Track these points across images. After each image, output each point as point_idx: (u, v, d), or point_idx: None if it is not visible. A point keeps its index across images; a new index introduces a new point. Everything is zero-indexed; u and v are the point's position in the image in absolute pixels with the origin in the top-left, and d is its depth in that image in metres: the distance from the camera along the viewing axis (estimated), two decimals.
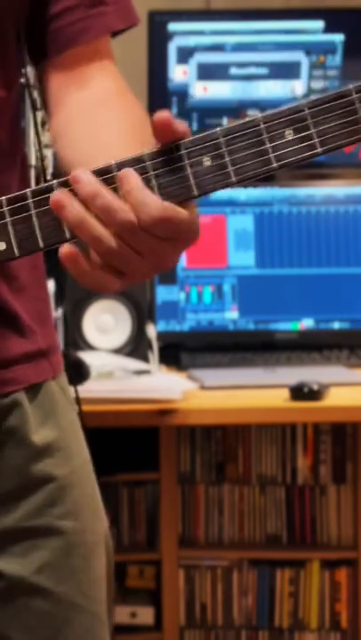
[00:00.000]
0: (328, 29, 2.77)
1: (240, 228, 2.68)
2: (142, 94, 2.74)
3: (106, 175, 0.95)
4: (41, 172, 1.19)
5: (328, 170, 2.84)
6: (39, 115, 1.46)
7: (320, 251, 2.70)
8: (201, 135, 0.94)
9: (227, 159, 0.94)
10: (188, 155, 0.94)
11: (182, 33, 2.75)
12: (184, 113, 2.77)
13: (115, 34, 1.25)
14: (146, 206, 0.93)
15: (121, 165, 0.95)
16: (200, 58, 2.76)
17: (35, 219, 0.96)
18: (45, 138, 2.42)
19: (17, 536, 1.20)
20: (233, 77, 2.78)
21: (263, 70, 2.78)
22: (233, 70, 2.77)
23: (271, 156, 0.93)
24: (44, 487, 1.21)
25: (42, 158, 1.19)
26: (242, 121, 0.94)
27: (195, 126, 2.77)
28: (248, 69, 2.78)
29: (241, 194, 2.69)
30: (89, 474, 1.28)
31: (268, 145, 0.93)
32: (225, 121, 2.77)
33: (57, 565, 1.21)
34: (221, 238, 2.67)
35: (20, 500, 1.20)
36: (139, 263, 0.96)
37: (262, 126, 0.94)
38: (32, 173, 2.09)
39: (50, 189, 0.96)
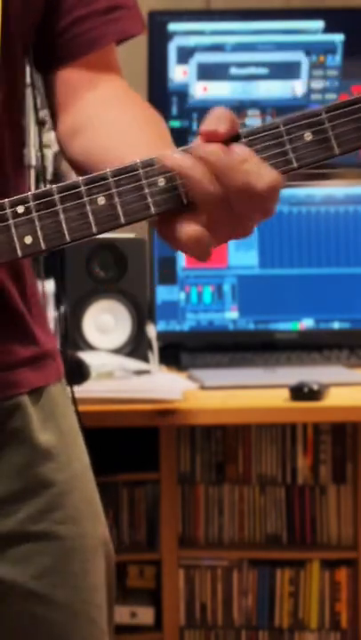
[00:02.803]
0: (328, 29, 2.77)
1: None
2: (142, 94, 2.74)
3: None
4: (41, 171, 1.19)
5: (328, 170, 2.83)
6: (39, 115, 1.47)
7: (320, 251, 2.70)
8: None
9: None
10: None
11: (182, 33, 2.75)
12: (184, 113, 2.77)
13: (120, 41, 1.27)
14: (263, 172, 0.95)
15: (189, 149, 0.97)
16: (200, 58, 2.76)
17: (61, 213, 0.98)
18: (46, 138, 2.42)
19: (15, 541, 1.19)
20: (233, 77, 2.78)
21: (263, 70, 2.78)
22: (233, 70, 2.77)
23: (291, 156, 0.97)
24: (45, 492, 1.21)
25: (42, 157, 1.20)
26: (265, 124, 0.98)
27: (195, 126, 2.77)
28: (248, 69, 2.78)
29: None
30: (89, 478, 1.28)
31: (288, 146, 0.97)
32: None
33: (56, 571, 1.20)
34: None
35: (20, 503, 1.19)
36: (228, 229, 0.98)
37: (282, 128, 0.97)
38: (32, 173, 2.10)
39: (76, 185, 0.98)
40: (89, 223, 0.98)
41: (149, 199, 0.98)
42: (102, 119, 1.19)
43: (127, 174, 0.98)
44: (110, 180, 0.98)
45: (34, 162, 2.17)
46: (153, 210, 0.98)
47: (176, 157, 0.96)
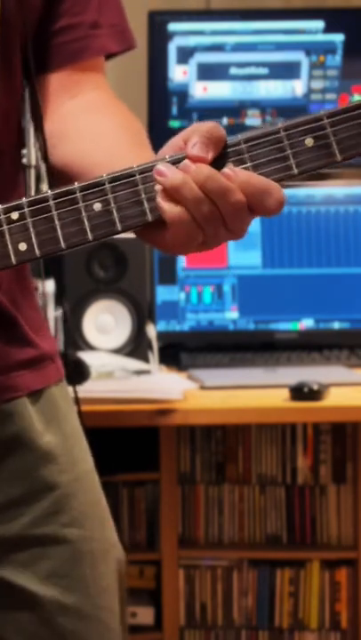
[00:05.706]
0: (328, 29, 2.77)
1: None
2: (142, 94, 2.74)
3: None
4: (44, 172, 1.19)
5: (328, 170, 2.83)
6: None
7: (320, 251, 2.70)
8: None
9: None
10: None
11: (182, 33, 2.75)
12: (184, 113, 2.77)
13: (110, 55, 1.27)
14: (251, 183, 0.95)
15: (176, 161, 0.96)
16: (200, 58, 2.76)
17: (57, 220, 0.96)
18: None
19: (22, 544, 1.19)
20: (233, 77, 2.77)
21: (263, 70, 2.78)
22: (233, 70, 2.77)
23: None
24: (49, 494, 1.20)
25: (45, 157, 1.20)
26: (264, 129, 0.97)
27: None
28: (248, 69, 2.78)
29: None
30: (94, 480, 1.27)
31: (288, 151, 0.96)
32: (225, 121, 2.78)
33: (63, 575, 1.20)
34: None
35: (25, 507, 1.19)
36: (223, 234, 0.98)
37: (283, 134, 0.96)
38: (32, 173, 2.09)
39: (72, 191, 0.97)
40: (84, 229, 0.97)
41: (146, 205, 0.97)
42: (82, 128, 1.19)
43: (124, 180, 0.97)
44: (107, 185, 0.97)
45: (34, 162, 2.16)
46: (150, 216, 0.97)
47: (168, 175, 0.95)
